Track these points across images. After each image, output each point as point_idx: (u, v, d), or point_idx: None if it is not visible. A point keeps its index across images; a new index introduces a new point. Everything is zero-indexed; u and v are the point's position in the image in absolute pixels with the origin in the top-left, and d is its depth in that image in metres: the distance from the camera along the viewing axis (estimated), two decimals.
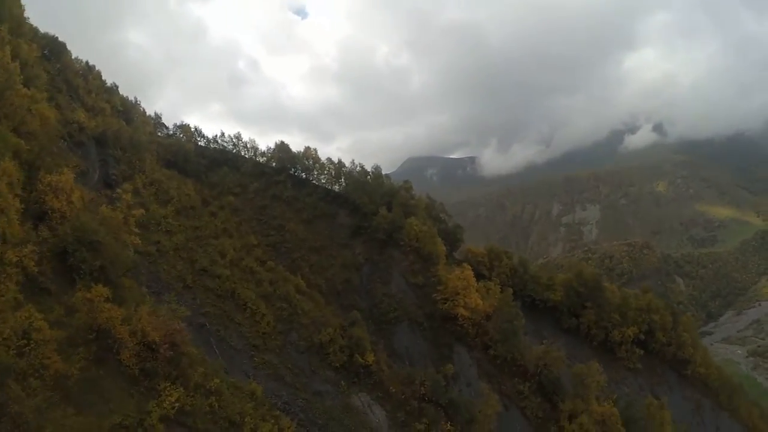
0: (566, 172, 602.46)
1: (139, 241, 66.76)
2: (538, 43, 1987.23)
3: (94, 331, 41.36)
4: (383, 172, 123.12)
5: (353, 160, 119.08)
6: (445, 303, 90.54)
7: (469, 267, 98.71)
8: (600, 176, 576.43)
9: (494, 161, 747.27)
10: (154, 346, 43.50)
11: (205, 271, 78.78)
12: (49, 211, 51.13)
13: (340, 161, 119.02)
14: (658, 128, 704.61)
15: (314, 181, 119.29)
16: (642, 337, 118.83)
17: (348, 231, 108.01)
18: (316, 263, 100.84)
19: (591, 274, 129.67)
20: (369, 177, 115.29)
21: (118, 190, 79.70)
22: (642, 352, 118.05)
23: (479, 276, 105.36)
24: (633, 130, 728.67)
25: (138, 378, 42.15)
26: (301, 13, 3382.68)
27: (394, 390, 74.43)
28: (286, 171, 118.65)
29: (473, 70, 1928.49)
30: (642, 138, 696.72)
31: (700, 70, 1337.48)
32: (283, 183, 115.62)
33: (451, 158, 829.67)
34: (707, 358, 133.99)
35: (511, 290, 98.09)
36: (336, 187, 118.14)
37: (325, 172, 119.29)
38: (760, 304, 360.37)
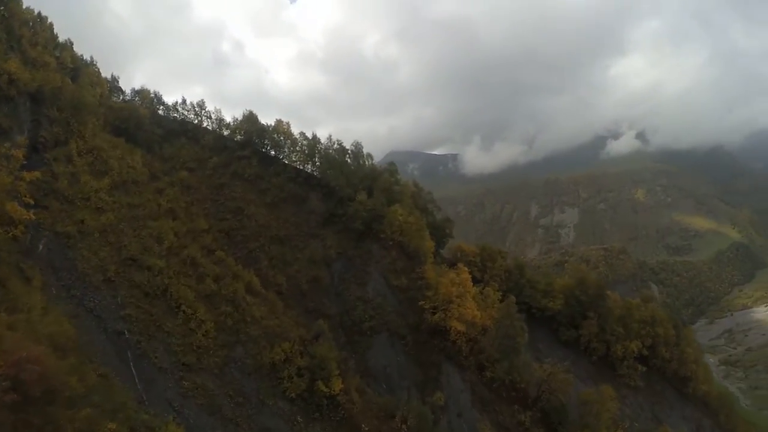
0: (547, 173, 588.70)
1: (32, 215, 47.91)
2: (528, 41, 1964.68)
3: None
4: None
5: (330, 136, 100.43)
6: (435, 313, 72.67)
7: (466, 270, 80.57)
8: (580, 180, 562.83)
9: (477, 159, 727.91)
10: None
11: (133, 260, 60.17)
12: None
13: (314, 136, 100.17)
14: (640, 136, 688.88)
15: (284, 159, 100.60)
16: (645, 352, 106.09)
17: (319, 218, 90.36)
18: (277, 256, 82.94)
19: (594, 281, 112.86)
20: (348, 156, 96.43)
21: (46, 156, 64.18)
22: (644, 368, 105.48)
23: (473, 279, 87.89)
24: (616, 135, 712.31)
25: None
26: None
27: (367, 428, 56.19)
28: (252, 146, 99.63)
29: (461, 65, 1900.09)
30: (624, 144, 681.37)
31: (686, 80, 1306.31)
32: (247, 159, 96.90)
33: (434, 154, 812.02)
34: (709, 375, 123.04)
35: (513, 299, 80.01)
36: (309, 167, 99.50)
37: (297, 149, 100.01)
38: (732, 314, 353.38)
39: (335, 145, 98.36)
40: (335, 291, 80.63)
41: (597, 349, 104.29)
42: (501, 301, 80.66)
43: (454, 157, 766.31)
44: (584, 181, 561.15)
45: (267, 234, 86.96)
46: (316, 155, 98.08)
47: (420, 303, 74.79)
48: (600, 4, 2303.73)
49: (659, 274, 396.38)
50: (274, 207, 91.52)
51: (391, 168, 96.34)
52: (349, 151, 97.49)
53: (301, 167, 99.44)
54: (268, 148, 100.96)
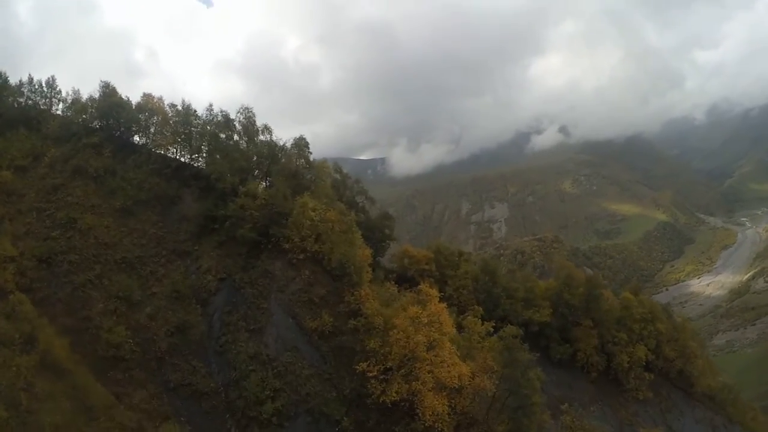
0: (474, 171, 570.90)
1: None
2: (449, 44, 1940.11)
3: None
4: None
5: (210, 105, 65.72)
6: (387, 381, 39.42)
7: (434, 292, 48.10)
8: (507, 175, 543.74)
9: (404, 161, 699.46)
10: None
11: None
12: None
13: (189, 107, 65.62)
14: (563, 129, 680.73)
15: (151, 146, 65.93)
16: (651, 356, 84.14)
17: (194, 226, 57.49)
18: (121, 293, 49.04)
19: (584, 278, 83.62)
20: (235, 132, 62.50)
21: None
22: (652, 376, 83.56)
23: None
24: (539, 131, 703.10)
25: None
26: (204, 0, 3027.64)
27: None
28: (107, 130, 64.80)
29: (383, 69, 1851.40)
30: (547, 139, 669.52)
31: (602, 77, 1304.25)
32: (96, 149, 62.04)
33: (361, 159, 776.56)
34: (712, 368, 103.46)
35: (516, 331, 47.73)
36: (185, 155, 65.77)
37: (168, 130, 65.07)
38: (667, 289, 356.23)
39: (218, 117, 63.81)
40: (216, 347, 48.24)
41: (597, 363, 78.59)
42: (493, 331, 49.37)
43: (381, 161, 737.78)
44: (511, 176, 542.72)
45: (109, 257, 53.11)
46: (194, 134, 63.60)
47: (359, 365, 42.60)
48: (517, 6, 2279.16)
49: (592, 259, 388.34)
50: (127, 214, 57.77)
51: (300, 142, 62.61)
52: (237, 124, 63.20)
53: (175, 154, 65.56)
54: (132, 131, 66.47)
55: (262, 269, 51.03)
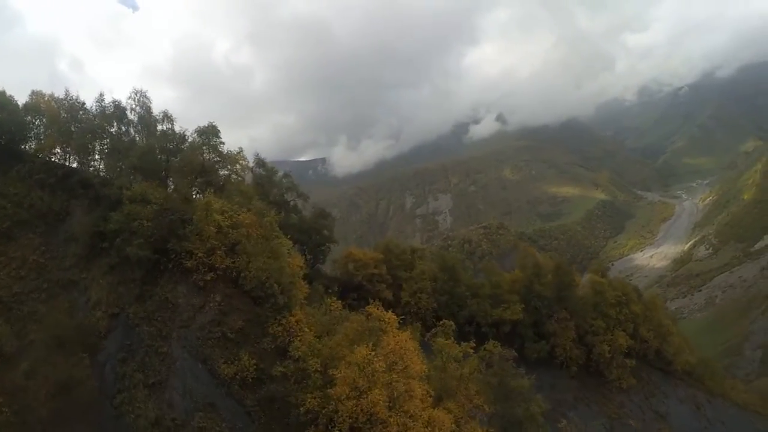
0: (416, 165, 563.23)
1: None
2: (382, 38, 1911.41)
3: None
4: None
5: (101, 94, 52.40)
6: None
7: (391, 316, 36.14)
8: (449, 167, 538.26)
9: (345, 160, 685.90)
10: None
11: None
12: None
13: (76, 99, 51.91)
14: (500, 118, 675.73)
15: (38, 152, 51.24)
16: (630, 342, 76.95)
17: (83, 247, 43.75)
18: None
19: (553, 264, 73.89)
20: (127, 122, 49.26)
21: None
22: (633, 362, 77.16)
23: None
24: (476, 120, 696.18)
25: None
26: (130, 4, 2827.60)
27: None
28: None
29: (318, 66, 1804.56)
30: (485, 128, 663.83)
31: (536, 63, 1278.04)
32: None
33: (301, 161, 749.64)
34: (688, 343, 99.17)
35: (508, 353, 37.24)
36: (72, 159, 52.03)
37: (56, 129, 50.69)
38: (613, 264, 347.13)
39: (104, 102, 49.90)
40: (110, 410, 35.48)
41: (576, 357, 70.60)
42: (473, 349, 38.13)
43: (322, 161, 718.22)
44: (453, 167, 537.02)
45: None
46: (81, 131, 49.59)
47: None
48: None
49: (538, 241, 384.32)
50: (5, 239, 44.42)
51: (207, 131, 49.19)
52: (131, 113, 49.46)
53: (64, 159, 51.30)
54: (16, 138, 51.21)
55: (161, 298, 38.12)
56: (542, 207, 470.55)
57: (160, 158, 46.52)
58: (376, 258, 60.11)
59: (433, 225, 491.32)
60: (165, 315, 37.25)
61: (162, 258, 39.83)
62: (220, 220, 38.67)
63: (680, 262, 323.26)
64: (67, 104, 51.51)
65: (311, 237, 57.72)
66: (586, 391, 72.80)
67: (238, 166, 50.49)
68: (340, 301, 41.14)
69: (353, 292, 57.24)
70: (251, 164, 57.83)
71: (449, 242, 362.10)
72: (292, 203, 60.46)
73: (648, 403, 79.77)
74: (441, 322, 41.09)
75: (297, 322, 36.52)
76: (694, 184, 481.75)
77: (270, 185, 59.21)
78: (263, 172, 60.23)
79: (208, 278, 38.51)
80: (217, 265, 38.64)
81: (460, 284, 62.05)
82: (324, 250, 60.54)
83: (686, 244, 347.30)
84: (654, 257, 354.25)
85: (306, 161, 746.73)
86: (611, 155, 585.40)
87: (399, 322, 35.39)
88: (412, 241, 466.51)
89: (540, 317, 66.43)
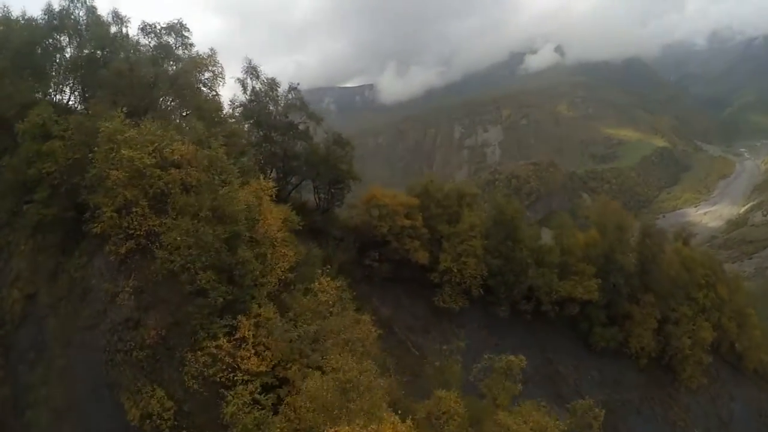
0: (466, 94, 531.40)
1: None
2: None
3: None
4: None
5: None
6: None
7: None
8: (500, 98, 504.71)
9: (393, 87, 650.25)
10: None
11: None
12: None
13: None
14: (558, 50, 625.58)
15: None
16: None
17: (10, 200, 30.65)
18: None
19: (642, 229, 57.18)
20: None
21: None
22: (710, 359, 60.44)
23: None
24: (533, 50, 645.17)
25: None
26: None
27: None
28: None
29: None
30: (542, 59, 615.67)
31: None
32: None
33: (348, 87, 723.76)
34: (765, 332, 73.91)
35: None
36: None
37: None
38: (664, 216, 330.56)
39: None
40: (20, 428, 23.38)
41: (650, 348, 54.06)
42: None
43: (370, 87, 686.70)
44: (504, 98, 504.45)
45: None
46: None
47: None
48: None
49: (588, 183, 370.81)
50: None
51: (173, 28, 32.71)
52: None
53: None
54: None
55: (70, 277, 23.84)
56: (596, 148, 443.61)
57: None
58: (410, 204, 44.01)
59: (480, 157, 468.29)
60: (71, 305, 23.18)
61: (79, 215, 25.30)
62: (136, 159, 23.69)
63: (734, 224, 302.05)
64: None
65: (325, 172, 41.97)
66: (654, 389, 57.49)
67: (206, 75, 34.61)
68: (341, 280, 26.00)
69: (375, 250, 42.01)
70: (243, 74, 42.08)
71: (496, 176, 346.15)
72: (302, 127, 44.51)
73: (713, 407, 64.37)
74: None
75: (243, 339, 21.32)
76: (759, 144, 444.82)
77: (271, 102, 43.12)
78: (258, 86, 43.10)
79: (124, 250, 24.02)
80: (133, 231, 23.91)
81: (521, 246, 45.71)
82: (342, 189, 44.88)
83: (743, 206, 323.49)
84: (707, 215, 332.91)
85: (353, 87, 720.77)
86: (674, 101, 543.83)
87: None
88: (459, 174, 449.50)
89: (617, 297, 50.12)
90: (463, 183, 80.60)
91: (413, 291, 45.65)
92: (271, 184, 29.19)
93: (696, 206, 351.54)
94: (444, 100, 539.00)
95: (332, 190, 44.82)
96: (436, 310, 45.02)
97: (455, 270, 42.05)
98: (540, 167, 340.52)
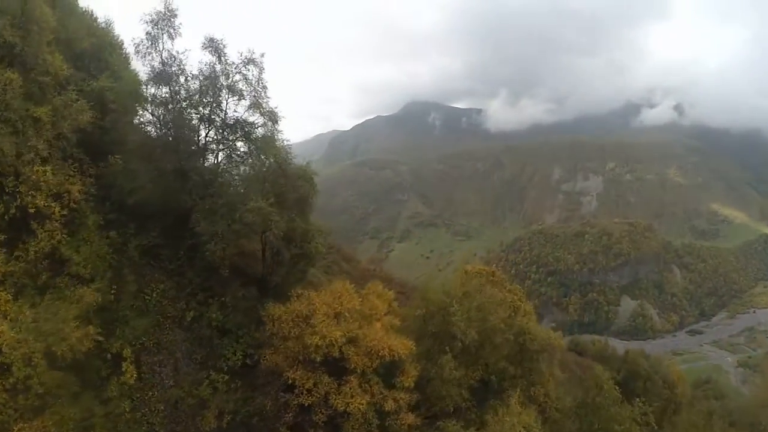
0: (573, 136, 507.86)
1: None
2: None
3: None
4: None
5: None
6: None
7: None
8: (608, 147, 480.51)
9: (500, 115, 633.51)
10: None
11: None
12: None
13: None
14: (678, 108, 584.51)
15: None
16: None
17: None
18: None
19: None
20: None
21: None
22: None
23: None
24: (651, 104, 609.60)
25: None
26: None
27: None
28: None
29: (487, 14, 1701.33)
30: (659, 114, 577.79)
31: (727, 56, 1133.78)
32: None
33: (456, 107, 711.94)
34: None
35: None
36: None
37: None
38: (755, 311, 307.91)
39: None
40: None
41: None
42: None
43: (478, 112, 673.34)
44: (612, 148, 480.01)
45: None
46: None
47: None
48: None
49: (683, 258, 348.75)
50: None
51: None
52: None
53: None
54: None
55: None
56: (699, 221, 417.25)
57: None
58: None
59: (575, 205, 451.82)
60: None
61: None
62: None
63: None
64: None
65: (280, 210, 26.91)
66: None
67: None
68: None
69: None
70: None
71: (587, 228, 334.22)
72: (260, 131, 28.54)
73: None
74: None
75: None
76: None
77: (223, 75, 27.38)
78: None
79: None
80: None
81: None
82: (308, 255, 29.51)
83: None
84: None
85: (461, 108, 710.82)
86: None
87: None
88: (550, 217, 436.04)
89: None
90: None
91: None
92: None
93: None
94: (549, 137, 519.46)
95: (294, 250, 28.38)
96: None
97: None
98: (636, 229, 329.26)
